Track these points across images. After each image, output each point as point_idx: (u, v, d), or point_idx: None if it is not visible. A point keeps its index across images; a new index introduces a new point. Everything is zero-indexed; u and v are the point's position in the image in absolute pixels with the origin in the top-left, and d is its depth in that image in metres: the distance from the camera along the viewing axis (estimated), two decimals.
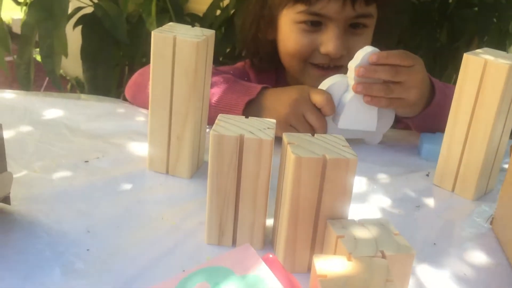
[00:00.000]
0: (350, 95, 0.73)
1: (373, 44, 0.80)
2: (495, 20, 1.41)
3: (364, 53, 0.70)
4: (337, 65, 0.80)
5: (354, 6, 0.75)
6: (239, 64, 0.93)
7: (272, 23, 0.83)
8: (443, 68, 1.49)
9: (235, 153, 0.48)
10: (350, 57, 0.73)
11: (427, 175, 0.72)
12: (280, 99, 0.71)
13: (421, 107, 0.76)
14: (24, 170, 0.61)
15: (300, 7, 0.77)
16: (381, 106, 0.73)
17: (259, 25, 0.85)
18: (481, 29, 1.40)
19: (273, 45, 0.84)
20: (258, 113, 0.71)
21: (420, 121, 0.78)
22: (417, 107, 0.75)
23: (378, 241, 0.44)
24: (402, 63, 0.70)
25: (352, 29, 0.79)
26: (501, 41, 1.45)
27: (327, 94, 0.71)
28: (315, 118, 0.70)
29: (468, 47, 1.49)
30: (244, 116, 0.52)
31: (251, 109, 0.72)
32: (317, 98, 0.70)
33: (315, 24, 0.77)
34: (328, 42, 0.76)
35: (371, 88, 0.71)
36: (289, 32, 0.79)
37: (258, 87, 0.73)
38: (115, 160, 0.66)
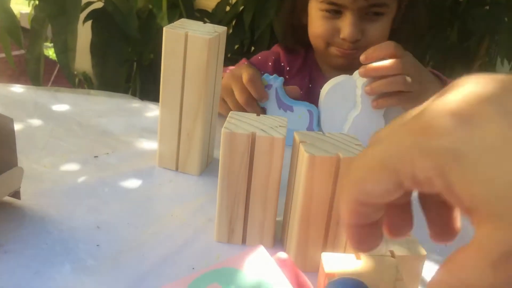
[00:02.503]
0: (355, 112, 0.73)
1: (394, 35, 0.87)
2: (506, 19, 1.39)
3: None
4: (355, 48, 0.86)
5: None
6: (273, 48, 1.03)
7: (304, 11, 0.92)
8: (453, 68, 1.48)
9: (246, 151, 0.48)
10: (367, 41, 0.83)
11: None
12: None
13: None
14: (34, 165, 0.61)
15: None
16: (391, 104, 0.73)
17: (294, 12, 0.95)
18: (492, 28, 1.38)
19: (305, 29, 0.94)
20: None
21: None
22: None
23: (388, 241, 0.43)
24: (396, 52, 0.71)
25: (368, 16, 0.85)
26: None
27: (251, 75, 0.73)
28: (237, 92, 0.73)
29: (479, 47, 1.48)
30: (256, 114, 0.52)
31: None
32: (244, 76, 0.74)
33: (334, 12, 0.85)
34: (345, 28, 0.84)
35: (387, 84, 0.71)
36: (315, 18, 0.89)
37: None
38: (124, 156, 0.66)
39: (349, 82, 0.73)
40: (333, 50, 0.87)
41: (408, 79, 0.71)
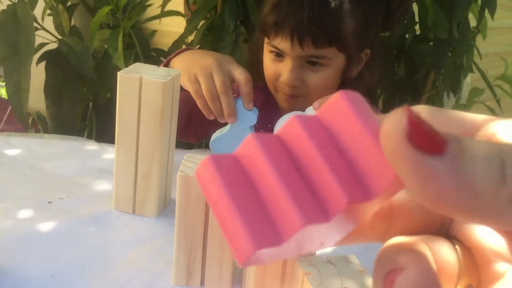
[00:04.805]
0: None
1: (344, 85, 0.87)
2: (449, 54, 1.47)
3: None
4: (296, 95, 0.87)
5: (302, 47, 0.82)
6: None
7: (262, 48, 0.93)
8: (403, 100, 1.54)
9: (202, 194, 0.48)
10: (306, 89, 0.84)
11: None
12: (204, 54, 0.81)
13: None
14: None
15: (267, 40, 0.87)
16: None
17: (257, 50, 0.95)
18: (437, 63, 1.46)
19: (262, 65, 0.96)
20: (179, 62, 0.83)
21: None
22: None
23: (343, 275, 0.44)
24: None
25: (309, 65, 0.85)
26: (456, 74, 1.52)
27: (248, 75, 0.77)
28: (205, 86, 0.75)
29: (426, 80, 1.56)
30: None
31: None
32: (238, 75, 0.77)
33: (279, 55, 0.86)
34: (284, 73, 0.85)
35: None
36: (266, 59, 0.91)
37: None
38: (80, 200, 0.65)
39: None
40: (280, 93, 0.88)
41: None
